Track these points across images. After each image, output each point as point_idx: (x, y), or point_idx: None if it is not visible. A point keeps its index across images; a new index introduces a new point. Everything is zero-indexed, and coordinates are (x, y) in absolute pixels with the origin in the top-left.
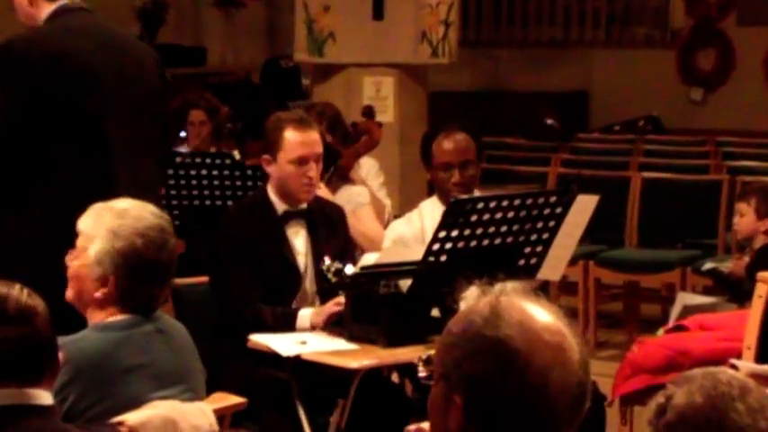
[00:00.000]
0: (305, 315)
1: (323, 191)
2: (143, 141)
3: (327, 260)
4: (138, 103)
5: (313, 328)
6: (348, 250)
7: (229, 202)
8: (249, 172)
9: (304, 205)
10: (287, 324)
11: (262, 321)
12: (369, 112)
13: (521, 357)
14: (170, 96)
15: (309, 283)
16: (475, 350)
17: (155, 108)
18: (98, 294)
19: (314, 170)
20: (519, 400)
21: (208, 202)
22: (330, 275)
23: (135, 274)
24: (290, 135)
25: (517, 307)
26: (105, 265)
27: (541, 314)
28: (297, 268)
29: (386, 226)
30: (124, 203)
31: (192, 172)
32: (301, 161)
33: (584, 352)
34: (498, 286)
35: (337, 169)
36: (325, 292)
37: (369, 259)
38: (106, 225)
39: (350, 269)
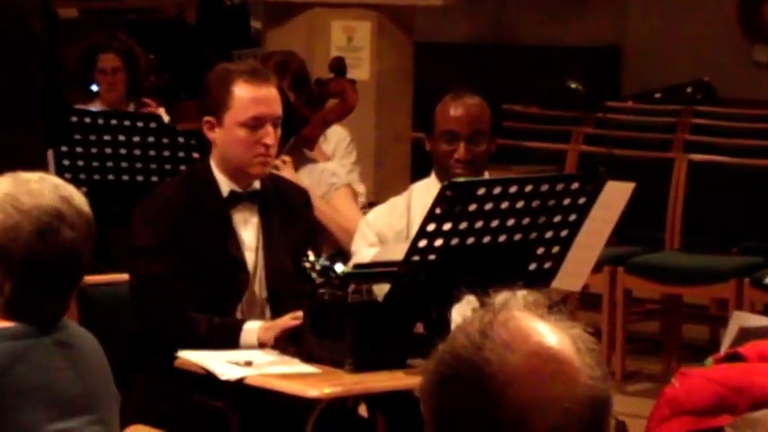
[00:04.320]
0: (251, 329)
1: (288, 171)
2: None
3: (311, 255)
4: None
5: (261, 345)
6: (313, 245)
7: (154, 178)
8: (181, 139)
9: (257, 185)
10: (227, 338)
11: (194, 333)
12: (339, 66)
13: (495, 387)
14: (62, 40)
15: (259, 287)
16: (448, 375)
17: (20, 56)
18: None
19: (271, 136)
20: None
21: (126, 177)
22: (314, 275)
23: (15, 274)
24: (242, 90)
25: (512, 325)
26: None
27: (539, 335)
28: (244, 266)
29: None
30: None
31: (106, 137)
32: (255, 124)
33: (601, 387)
34: (502, 297)
35: (299, 141)
36: (276, 298)
37: (365, 256)
38: None
39: (340, 267)
